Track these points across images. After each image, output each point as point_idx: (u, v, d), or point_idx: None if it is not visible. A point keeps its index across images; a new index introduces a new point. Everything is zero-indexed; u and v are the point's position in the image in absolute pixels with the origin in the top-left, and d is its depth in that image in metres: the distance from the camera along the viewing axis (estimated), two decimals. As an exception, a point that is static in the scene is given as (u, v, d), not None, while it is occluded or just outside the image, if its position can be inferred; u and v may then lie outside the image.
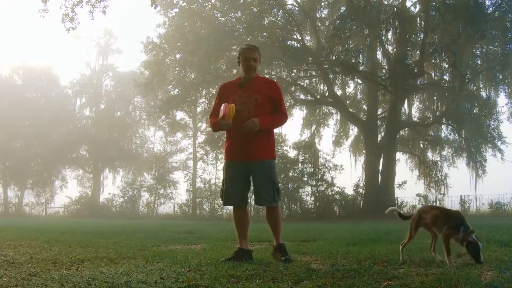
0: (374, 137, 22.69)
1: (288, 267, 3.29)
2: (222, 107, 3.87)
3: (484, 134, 23.04)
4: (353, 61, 20.21)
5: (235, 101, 3.95)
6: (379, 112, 24.34)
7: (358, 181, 23.39)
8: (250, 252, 3.94)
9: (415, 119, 24.89)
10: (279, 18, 23.29)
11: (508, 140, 22.94)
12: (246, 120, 3.85)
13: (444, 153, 25.25)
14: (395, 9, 20.33)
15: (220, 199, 4.13)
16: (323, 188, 23.14)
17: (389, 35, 21.53)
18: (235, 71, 22.09)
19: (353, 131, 26.82)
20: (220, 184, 4.25)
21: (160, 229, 10.12)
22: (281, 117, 4.09)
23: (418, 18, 20.41)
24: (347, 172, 24.83)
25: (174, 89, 24.73)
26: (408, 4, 21.59)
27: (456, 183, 24.52)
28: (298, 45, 23.28)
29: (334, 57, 20.46)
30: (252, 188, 4.11)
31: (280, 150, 23.41)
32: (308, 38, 24.81)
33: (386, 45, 22.20)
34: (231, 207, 4.24)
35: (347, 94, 26.29)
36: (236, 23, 22.77)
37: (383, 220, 16.18)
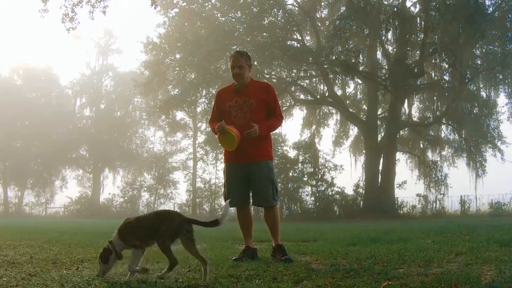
0: (374, 137, 22.69)
1: (288, 267, 3.29)
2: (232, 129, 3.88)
3: (484, 134, 23.05)
4: (353, 61, 20.22)
5: (231, 107, 4.06)
6: (379, 112, 24.33)
7: (358, 181, 23.43)
8: (255, 250, 4.07)
9: (415, 119, 24.90)
10: (279, 18, 23.29)
11: (508, 140, 23.01)
12: (242, 125, 3.93)
13: (444, 153, 25.29)
14: (395, 9, 20.32)
15: (224, 201, 4.20)
16: (323, 188, 23.11)
17: (389, 35, 21.56)
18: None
19: (353, 131, 26.85)
20: (221, 185, 4.34)
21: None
22: (276, 120, 4.16)
23: (418, 18, 20.40)
24: (347, 172, 24.82)
25: (174, 89, 24.68)
26: (408, 4, 21.62)
27: (456, 183, 24.58)
28: (298, 45, 23.28)
29: (334, 57, 20.46)
30: (251, 189, 4.17)
31: (280, 150, 23.38)
32: (308, 38, 24.80)
33: (386, 45, 22.21)
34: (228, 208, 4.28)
35: (347, 94, 26.29)
36: (236, 23, 22.74)
37: (383, 220, 16.21)
